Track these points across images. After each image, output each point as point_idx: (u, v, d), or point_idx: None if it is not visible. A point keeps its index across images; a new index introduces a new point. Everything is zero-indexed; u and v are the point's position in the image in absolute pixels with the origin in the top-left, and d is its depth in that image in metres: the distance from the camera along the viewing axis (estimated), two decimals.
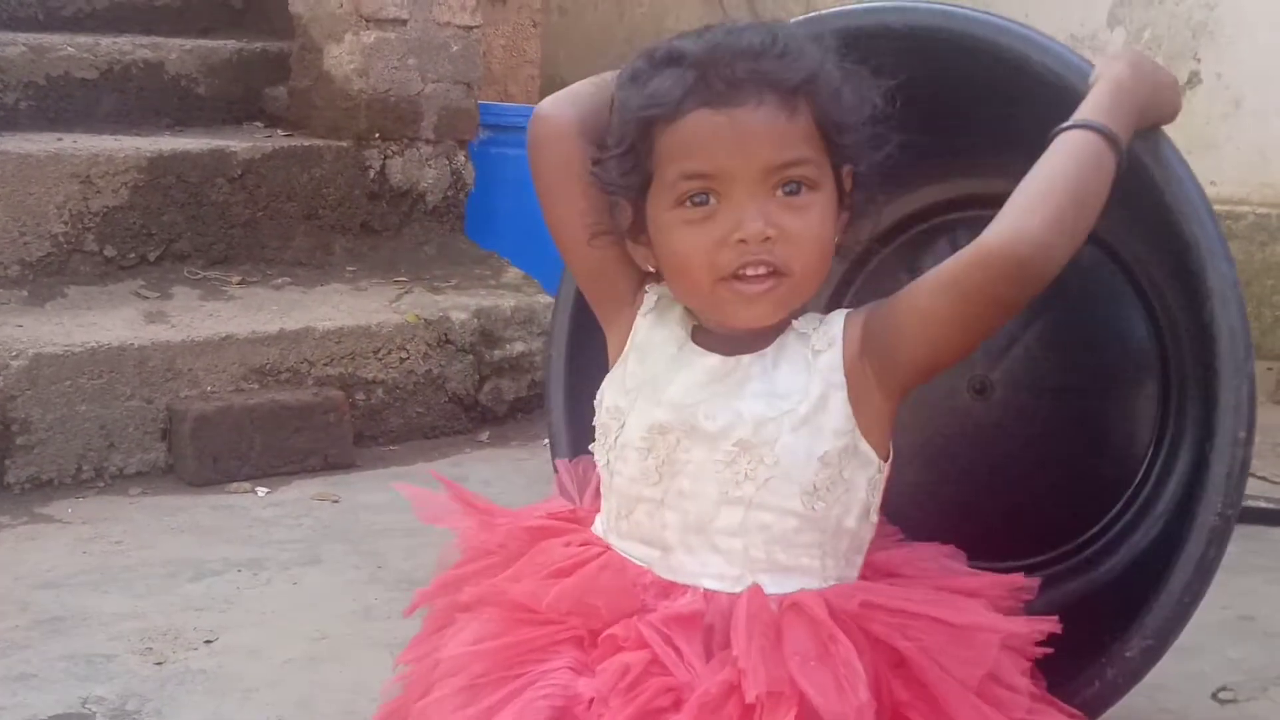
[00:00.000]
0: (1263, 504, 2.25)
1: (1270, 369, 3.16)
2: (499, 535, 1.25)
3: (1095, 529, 1.60)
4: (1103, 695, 1.26)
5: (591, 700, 1.05)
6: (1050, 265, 1.11)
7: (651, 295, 1.24)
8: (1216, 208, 3.83)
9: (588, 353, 1.38)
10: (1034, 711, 1.13)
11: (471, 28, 3.22)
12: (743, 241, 1.10)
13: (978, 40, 1.35)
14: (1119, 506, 1.60)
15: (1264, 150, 3.48)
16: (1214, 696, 1.61)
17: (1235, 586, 1.95)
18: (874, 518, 1.21)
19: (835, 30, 1.27)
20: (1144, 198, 1.22)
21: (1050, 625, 1.17)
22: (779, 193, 1.11)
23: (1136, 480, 1.59)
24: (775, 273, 1.11)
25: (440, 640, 1.19)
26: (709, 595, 1.14)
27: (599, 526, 1.24)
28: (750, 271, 1.11)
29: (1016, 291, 1.12)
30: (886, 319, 1.17)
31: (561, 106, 1.27)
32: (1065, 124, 1.17)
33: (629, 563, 1.17)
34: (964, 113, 1.43)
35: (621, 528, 1.20)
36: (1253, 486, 2.36)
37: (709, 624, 1.12)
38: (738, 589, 1.14)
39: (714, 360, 1.17)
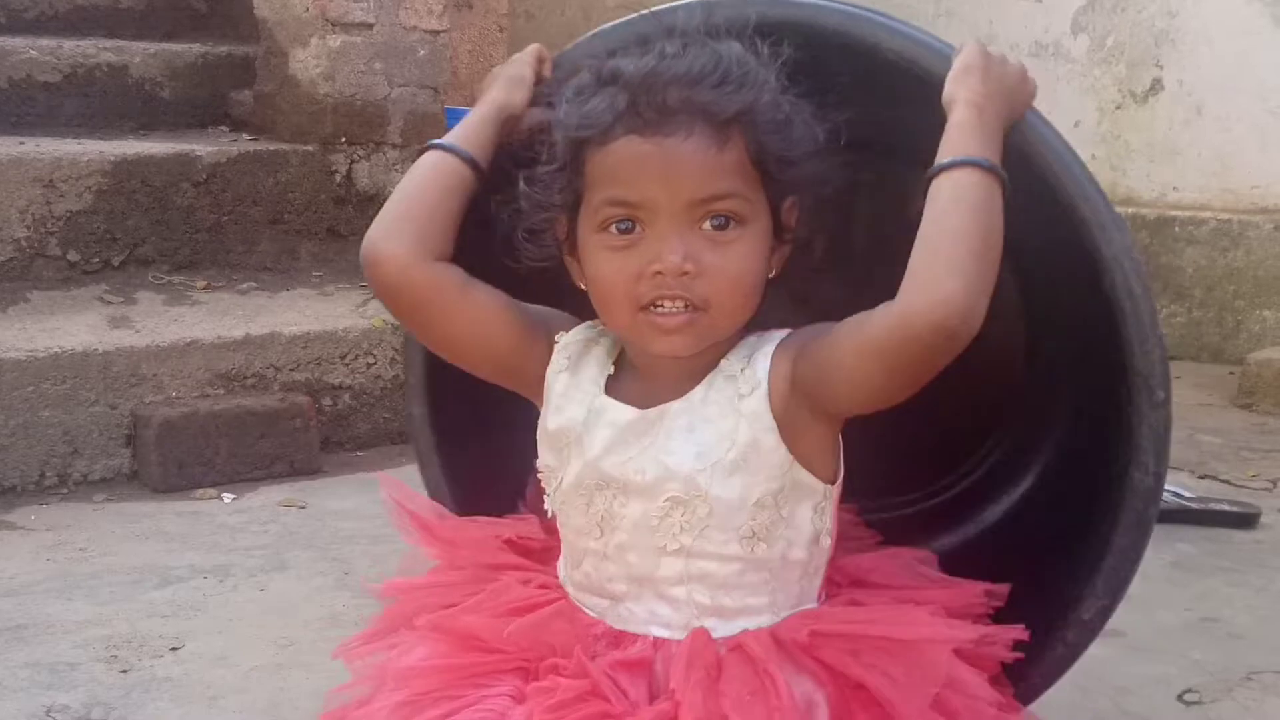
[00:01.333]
0: (1225, 507, 2.27)
1: (1232, 373, 3.19)
2: (461, 562, 1.26)
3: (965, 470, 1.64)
4: (1065, 658, 1.29)
5: None
6: (978, 323, 1.04)
7: (561, 351, 1.20)
8: (1178, 214, 3.92)
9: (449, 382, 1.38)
10: None
11: (438, 32, 3.22)
12: (660, 274, 1.07)
13: (825, 30, 1.27)
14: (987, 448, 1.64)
15: (1225, 157, 3.51)
16: (1179, 699, 1.62)
17: (1198, 589, 1.98)
18: (826, 541, 1.18)
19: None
20: (1019, 183, 1.15)
21: (1016, 633, 1.18)
22: (705, 225, 1.08)
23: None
24: (691, 307, 1.08)
25: (387, 649, 1.19)
26: (658, 643, 1.13)
27: (561, 572, 1.23)
28: (667, 305, 1.08)
29: (948, 356, 1.06)
30: (812, 371, 1.12)
31: (392, 244, 1.17)
32: (944, 162, 1.10)
33: (581, 612, 1.17)
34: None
35: (575, 578, 1.19)
36: (1216, 490, 2.40)
37: (657, 670, 1.12)
38: (686, 635, 1.13)
39: (631, 414, 1.14)
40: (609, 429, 1.14)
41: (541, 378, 1.19)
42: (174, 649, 1.69)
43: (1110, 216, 1.20)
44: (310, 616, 1.77)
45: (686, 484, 1.11)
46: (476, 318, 1.18)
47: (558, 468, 1.18)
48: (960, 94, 1.15)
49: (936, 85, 1.17)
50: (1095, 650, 1.72)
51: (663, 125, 1.07)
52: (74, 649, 1.68)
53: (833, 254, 1.22)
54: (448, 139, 1.22)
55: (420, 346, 1.35)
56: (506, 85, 1.26)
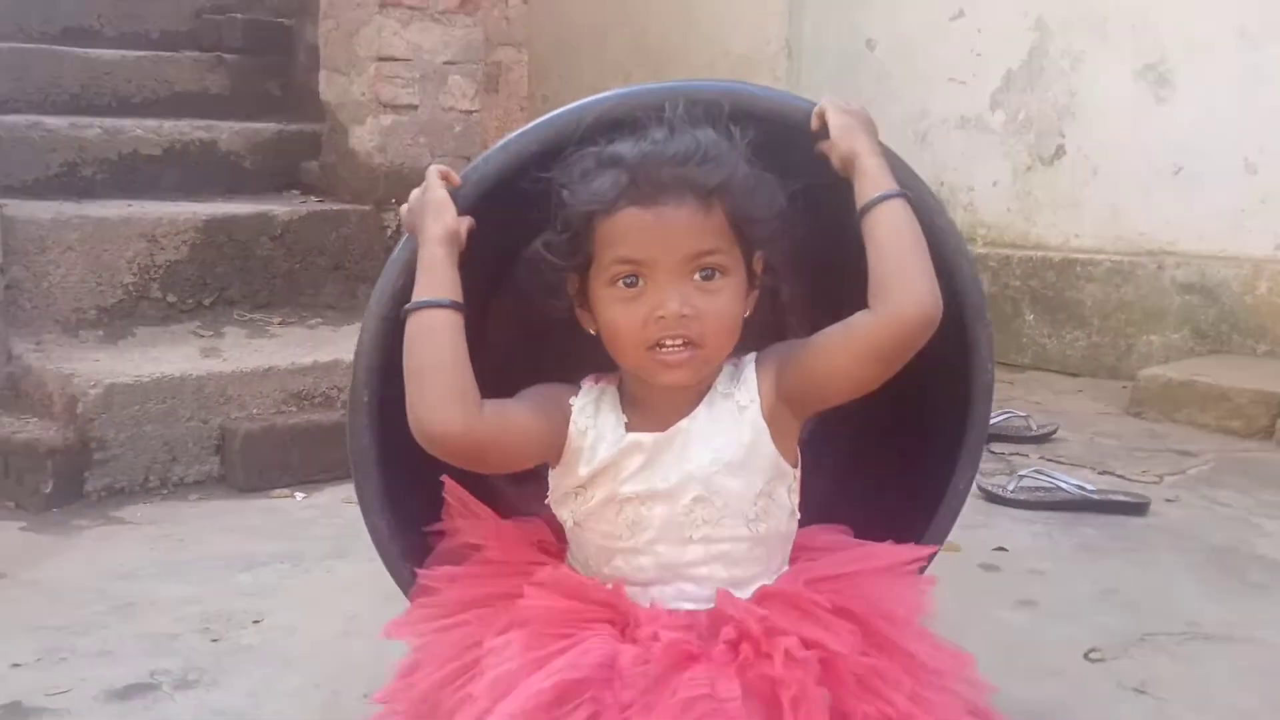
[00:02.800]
0: (1121, 498, 2.27)
1: (1125, 387, 3.19)
2: (502, 555, 1.24)
3: None
4: (949, 518, 1.39)
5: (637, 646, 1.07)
6: (941, 309, 1.12)
7: (579, 414, 1.18)
8: (1079, 256, 3.91)
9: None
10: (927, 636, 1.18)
11: (471, 112, 3.24)
12: (663, 318, 1.09)
13: (738, 99, 1.24)
14: None
15: (1116, 209, 3.52)
16: (1085, 657, 1.62)
17: (1101, 566, 1.98)
18: (797, 514, 1.21)
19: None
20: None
21: (933, 549, 1.28)
22: (696, 277, 1.10)
23: None
24: (690, 344, 1.10)
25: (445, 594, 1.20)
26: (690, 614, 1.14)
27: (580, 569, 1.21)
28: (670, 343, 1.10)
29: (924, 341, 1.12)
30: (802, 380, 1.16)
31: (443, 419, 1.10)
32: (875, 198, 1.15)
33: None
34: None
35: (605, 572, 1.18)
36: (1114, 484, 2.40)
37: (697, 634, 1.13)
38: (710, 605, 1.15)
39: (653, 439, 1.15)
40: (641, 455, 1.15)
41: (562, 443, 1.17)
42: (256, 622, 1.69)
43: (946, 219, 1.30)
44: (369, 594, 1.76)
45: (705, 484, 1.14)
46: (522, 439, 1.15)
47: (586, 491, 1.17)
48: (857, 146, 1.18)
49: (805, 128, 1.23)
50: (1016, 618, 1.74)
51: (658, 198, 1.09)
52: (173, 622, 1.68)
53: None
54: (428, 294, 1.13)
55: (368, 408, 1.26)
56: (436, 214, 1.17)
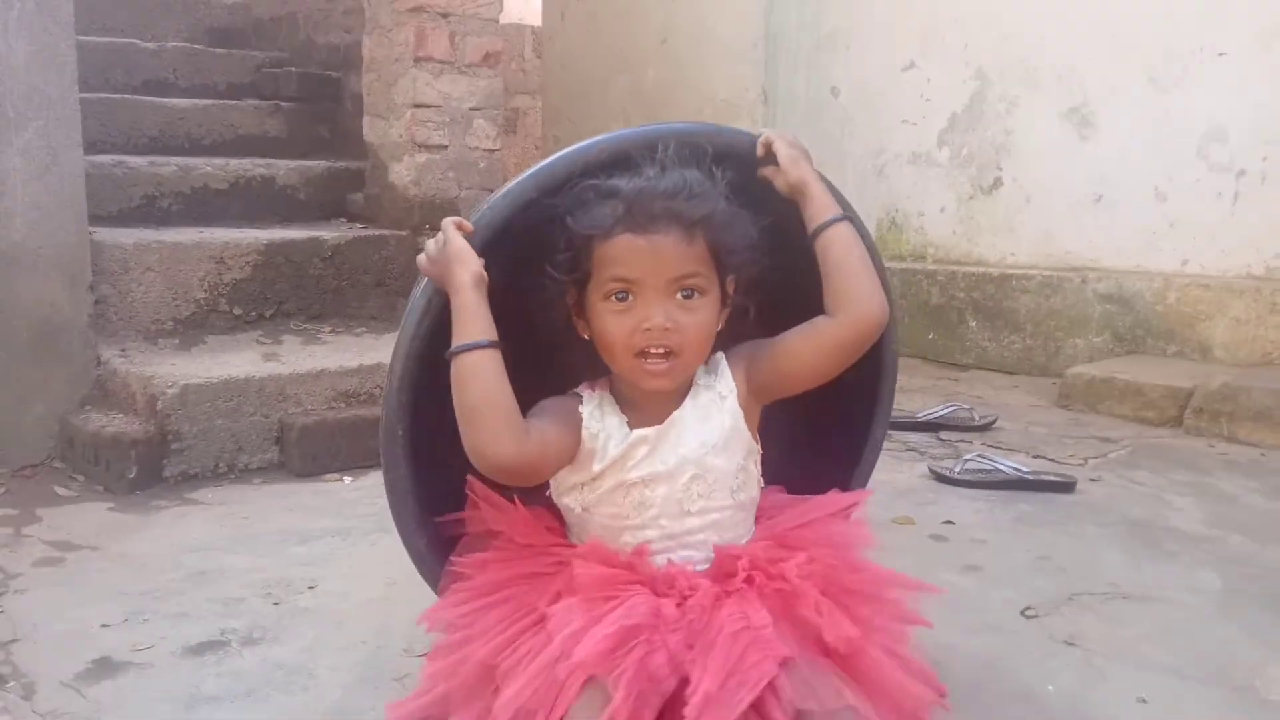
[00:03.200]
0: (1052, 478, 2.28)
1: (1054, 383, 3.20)
2: (521, 539, 1.23)
3: None
4: (872, 458, 1.47)
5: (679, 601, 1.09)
6: (889, 312, 1.19)
7: (590, 418, 1.18)
8: (1015, 272, 3.91)
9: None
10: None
11: (493, 150, 3.24)
12: (649, 330, 1.11)
13: (699, 137, 1.23)
14: None
15: (1047, 232, 3.53)
16: (1022, 614, 1.62)
17: (1033, 536, 1.98)
18: (761, 481, 1.24)
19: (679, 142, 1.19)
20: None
21: (866, 494, 1.33)
22: (678, 295, 1.12)
23: None
24: (670, 354, 1.12)
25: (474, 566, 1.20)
26: (696, 573, 1.16)
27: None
28: (654, 352, 1.12)
29: (877, 338, 1.18)
30: (771, 374, 1.19)
31: (499, 448, 1.09)
32: (827, 220, 1.18)
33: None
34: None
35: (611, 548, 1.18)
36: (1045, 466, 2.41)
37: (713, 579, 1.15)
38: (707, 565, 1.17)
39: (652, 431, 1.16)
40: (645, 446, 1.16)
41: (578, 446, 1.17)
42: (311, 587, 1.69)
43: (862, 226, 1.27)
44: (407, 564, 1.75)
45: (698, 464, 1.16)
46: (557, 452, 1.15)
47: (597, 479, 1.17)
48: (805, 175, 1.21)
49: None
50: (962, 581, 1.75)
51: (650, 226, 1.10)
52: (240, 588, 1.68)
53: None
54: (471, 337, 1.10)
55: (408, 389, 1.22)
56: (462, 263, 1.14)
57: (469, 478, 1.23)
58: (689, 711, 0.97)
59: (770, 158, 1.23)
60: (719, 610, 1.07)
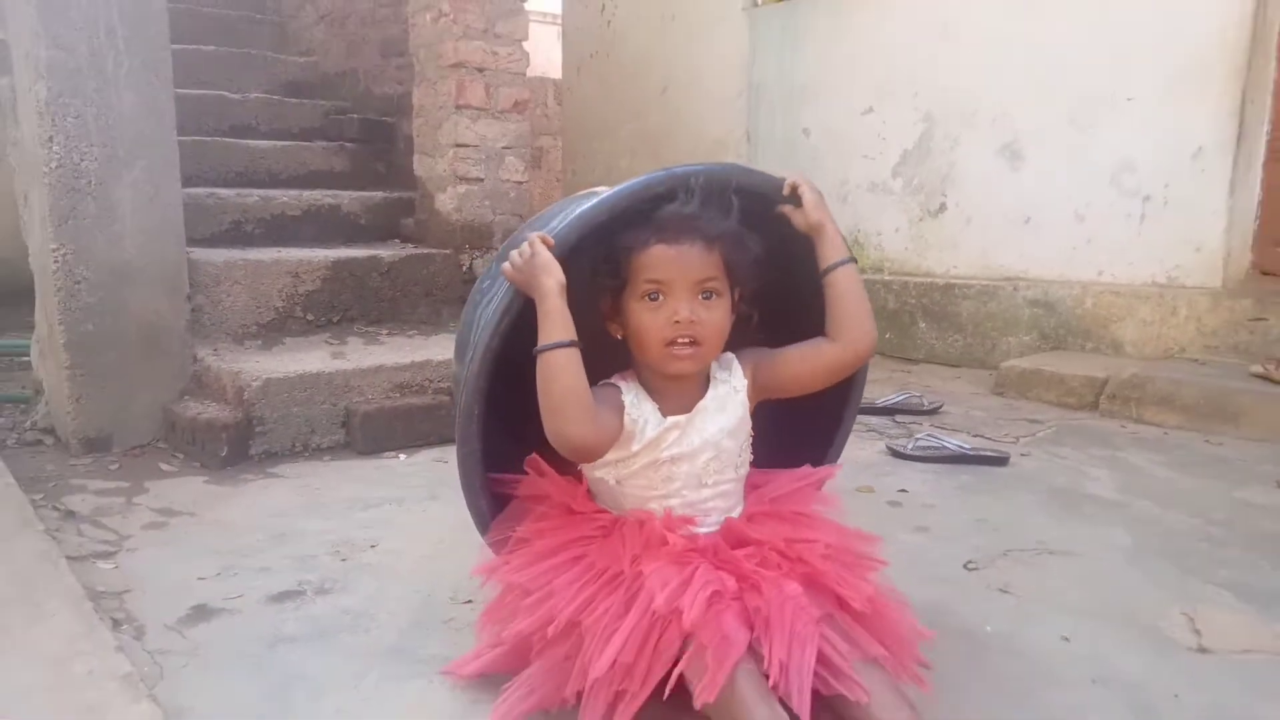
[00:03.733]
0: (989, 453, 2.27)
1: (991, 374, 3.19)
2: (568, 508, 1.21)
3: None
4: (845, 435, 1.42)
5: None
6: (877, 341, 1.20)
7: (630, 404, 1.17)
8: (958, 282, 3.89)
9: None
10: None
11: (522, 182, 3.24)
12: (678, 323, 1.12)
13: (726, 177, 1.20)
14: None
15: (984, 248, 3.52)
16: (964, 567, 1.62)
17: (973, 502, 1.98)
18: (752, 457, 1.25)
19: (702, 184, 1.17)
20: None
21: (838, 466, 1.33)
22: (700, 296, 1.13)
23: None
24: (694, 343, 1.13)
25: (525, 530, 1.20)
26: (709, 536, 1.18)
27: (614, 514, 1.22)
28: (681, 341, 1.13)
29: (865, 363, 1.23)
30: (773, 378, 1.21)
31: (579, 430, 1.09)
32: (837, 261, 1.18)
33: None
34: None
35: (640, 515, 1.19)
36: (984, 443, 2.40)
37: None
38: (716, 528, 1.19)
39: (684, 418, 1.18)
40: (676, 430, 1.17)
41: (621, 429, 1.17)
42: (372, 546, 1.69)
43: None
44: (453, 526, 1.77)
45: (715, 446, 1.18)
46: (614, 434, 1.15)
47: (629, 461, 1.17)
48: (824, 219, 1.21)
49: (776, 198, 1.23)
50: (914, 539, 1.75)
51: (678, 238, 1.13)
52: (313, 547, 1.68)
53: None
54: (557, 337, 1.08)
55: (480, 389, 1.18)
56: (548, 272, 1.10)
57: (534, 455, 1.23)
58: (772, 676, 0.98)
59: (794, 197, 1.22)
60: (763, 583, 1.07)
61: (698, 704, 0.98)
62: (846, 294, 1.18)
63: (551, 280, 1.10)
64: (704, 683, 0.97)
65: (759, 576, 1.07)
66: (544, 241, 1.13)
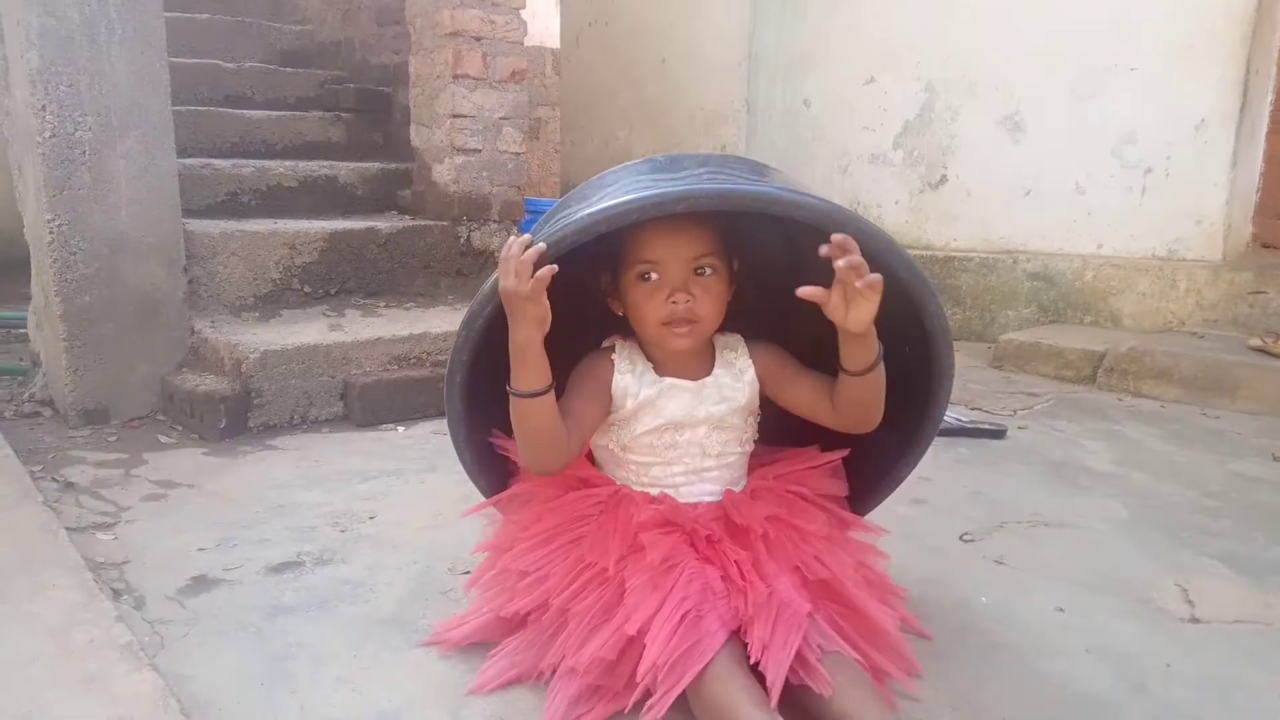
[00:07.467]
0: (986, 426, 2.28)
1: (989, 347, 3.18)
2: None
3: None
4: (932, 432, 1.26)
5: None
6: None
7: (621, 364, 1.18)
8: (957, 254, 3.88)
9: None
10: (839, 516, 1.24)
11: (519, 153, 3.21)
12: (673, 301, 1.12)
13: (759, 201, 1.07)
14: None
15: (984, 220, 3.50)
16: (960, 538, 1.63)
17: (970, 474, 1.98)
18: (756, 435, 1.25)
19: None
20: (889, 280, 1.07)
21: (842, 454, 1.25)
22: (695, 273, 1.13)
23: None
24: (690, 320, 1.13)
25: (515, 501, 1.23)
26: (708, 506, 1.19)
27: (616, 481, 1.22)
28: (678, 318, 1.13)
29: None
30: (777, 390, 1.21)
31: (555, 468, 1.13)
32: (870, 364, 1.08)
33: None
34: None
35: (643, 480, 1.21)
36: (981, 416, 2.40)
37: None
38: (719, 498, 1.20)
39: (691, 385, 1.19)
40: (683, 394, 1.18)
41: (610, 394, 1.18)
42: (371, 518, 1.70)
43: (928, 285, 1.14)
44: (451, 498, 1.78)
45: (720, 421, 1.19)
46: (592, 426, 1.17)
47: (630, 420, 1.19)
48: (868, 324, 1.04)
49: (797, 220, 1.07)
50: (911, 511, 1.75)
51: (671, 217, 1.10)
52: (313, 518, 1.69)
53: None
54: (532, 385, 1.04)
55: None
56: (535, 302, 1.01)
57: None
58: (753, 652, 1.00)
59: (838, 255, 1.00)
60: (754, 576, 1.08)
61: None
62: (867, 392, 1.11)
63: (537, 312, 1.01)
64: (653, 701, 0.99)
65: (747, 581, 1.07)
66: (537, 252, 1.01)
